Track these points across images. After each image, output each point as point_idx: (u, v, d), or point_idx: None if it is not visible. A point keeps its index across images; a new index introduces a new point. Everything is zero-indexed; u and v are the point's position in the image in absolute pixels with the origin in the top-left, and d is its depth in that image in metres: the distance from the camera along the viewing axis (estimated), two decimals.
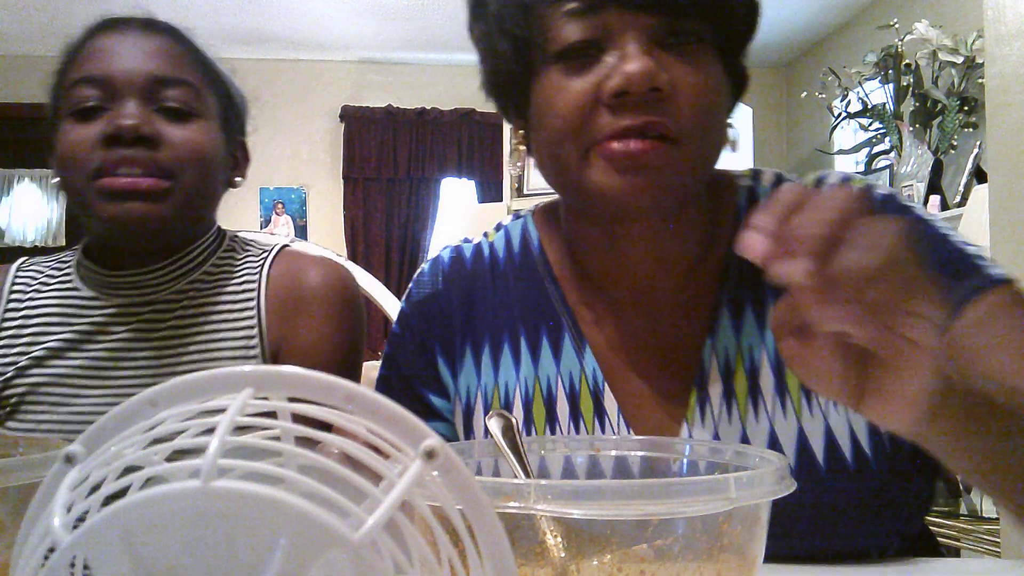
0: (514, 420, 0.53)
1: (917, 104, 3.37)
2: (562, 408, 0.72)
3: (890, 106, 3.54)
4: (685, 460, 0.50)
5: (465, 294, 0.78)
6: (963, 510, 2.14)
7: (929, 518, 0.75)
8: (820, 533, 0.65)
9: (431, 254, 0.85)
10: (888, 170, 3.46)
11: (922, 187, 3.23)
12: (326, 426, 0.28)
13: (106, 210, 0.84)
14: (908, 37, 3.30)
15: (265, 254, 0.97)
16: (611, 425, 0.71)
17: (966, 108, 3.18)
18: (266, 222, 5.03)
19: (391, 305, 1.30)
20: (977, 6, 1.78)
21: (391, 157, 5.10)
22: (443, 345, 0.78)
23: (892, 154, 3.57)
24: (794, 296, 0.44)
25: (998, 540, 1.74)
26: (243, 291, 0.93)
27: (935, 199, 3.18)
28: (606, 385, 0.71)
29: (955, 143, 3.24)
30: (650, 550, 0.39)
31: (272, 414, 0.29)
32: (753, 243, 0.43)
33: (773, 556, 0.44)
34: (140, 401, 0.28)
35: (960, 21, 3.31)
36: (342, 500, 0.25)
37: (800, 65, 5.11)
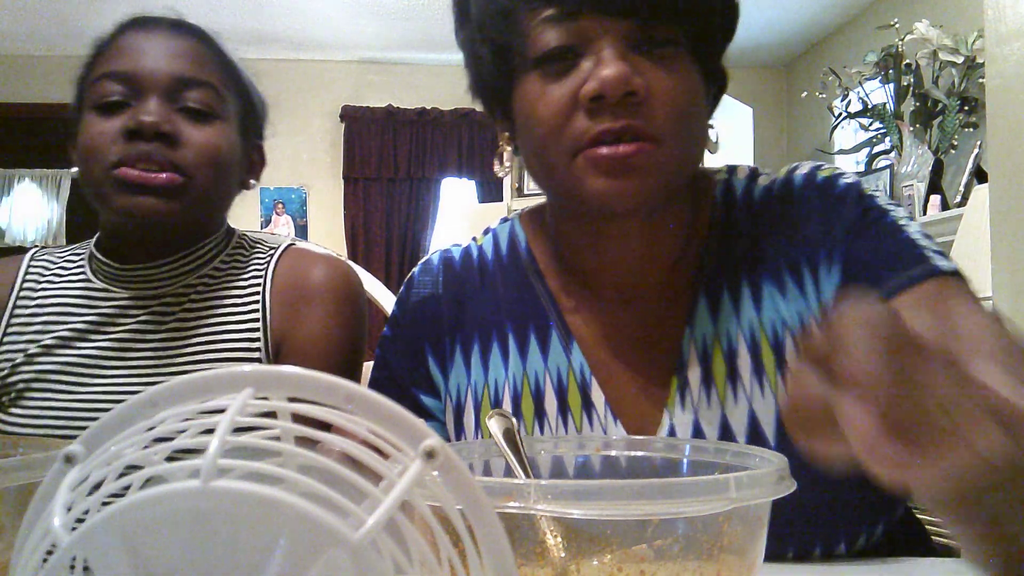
0: (514, 420, 0.53)
1: (917, 104, 3.37)
2: (550, 403, 0.74)
3: (890, 106, 3.54)
4: (685, 460, 0.50)
5: (455, 295, 0.80)
6: None
7: (925, 516, 0.76)
8: (803, 519, 0.65)
9: (424, 257, 0.87)
10: (888, 170, 3.46)
11: (922, 187, 3.23)
12: (326, 426, 0.28)
13: (120, 202, 0.86)
14: (908, 37, 3.31)
15: (272, 251, 0.99)
16: (599, 417, 0.72)
17: (966, 108, 3.18)
18: (266, 222, 5.03)
19: (391, 305, 1.30)
20: (977, 6, 1.78)
21: (391, 157, 5.10)
22: (433, 346, 0.79)
23: (892, 154, 3.57)
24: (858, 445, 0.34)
25: None
26: (249, 286, 0.95)
27: (935, 199, 3.18)
28: (593, 379, 0.73)
29: (955, 143, 3.24)
30: (650, 550, 0.39)
31: (272, 414, 0.29)
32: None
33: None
34: (140, 401, 0.28)
35: (960, 21, 3.31)
36: (342, 500, 0.25)
37: (800, 65, 5.11)
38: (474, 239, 0.85)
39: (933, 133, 3.32)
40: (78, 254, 1.00)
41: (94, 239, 0.98)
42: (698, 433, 0.70)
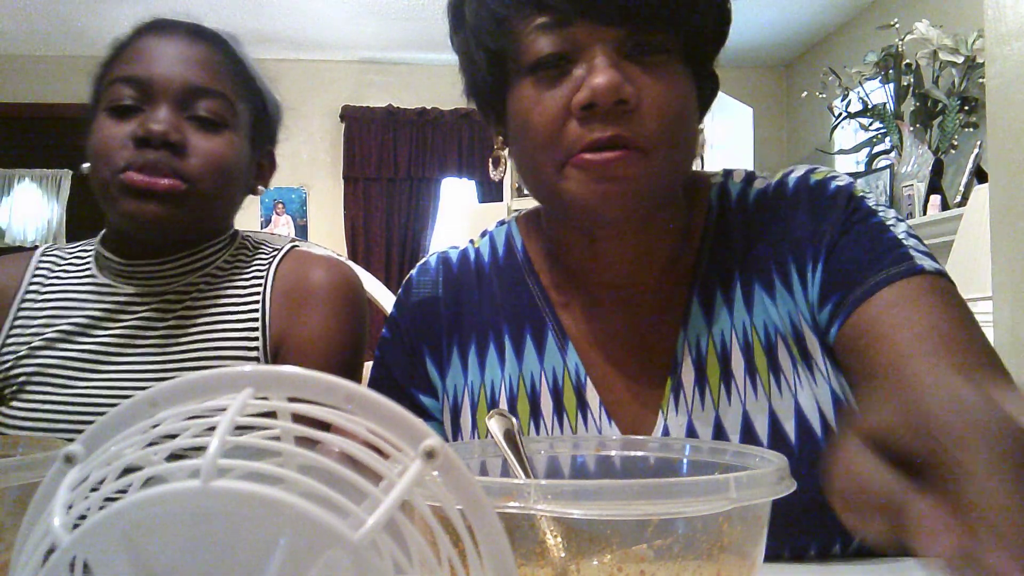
0: (514, 420, 0.53)
1: (917, 104, 3.37)
2: (546, 404, 0.74)
3: (890, 106, 3.55)
4: (685, 460, 0.50)
5: (452, 297, 0.81)
6: None
7: None
8: (798, 519, 0.65)
9: (422, 259, 0.88)
10: (888, 170, 3.46)
11: (922, 187, 3.23)
12: (325, 426, 0.28)
13: (125, 206, 0.88)
14: (908, 37, 3.31)
15: (275, 252, 1.00)
16: (593, 418, 0.73)
17: (966, 108, 3.19)
18: (266, 222, 5.03)
19: (391, 305, 1.30)
20: (977, 6, 1.78)
21: (391, 157, 5.10)
22: (431, 347, 0.80)
23: (892, 154, 3.57)
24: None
25: None
26: (250, 286, 0.96)
27: (935, 199, 3.18)
28: (588, 380, 0.74)
29: (955, 143, 3.24)
30: (650, 550, 0.39)
31: (272, 414, 0.29)
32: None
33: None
34: (140, 401, 0.28)
35: (960, 21, 3.31)
36: (342, 500, 0.25)
37: (800, 65, 5.11)
38: (471, 241, 0.86)
39: (933, 133, 3.32)
40: (86, 250, 1.01)
41: (100, 235, 1.00)
42: (692, 434, 0.70)
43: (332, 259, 1.01)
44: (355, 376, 0.98)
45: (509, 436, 0.52)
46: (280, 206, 5.09)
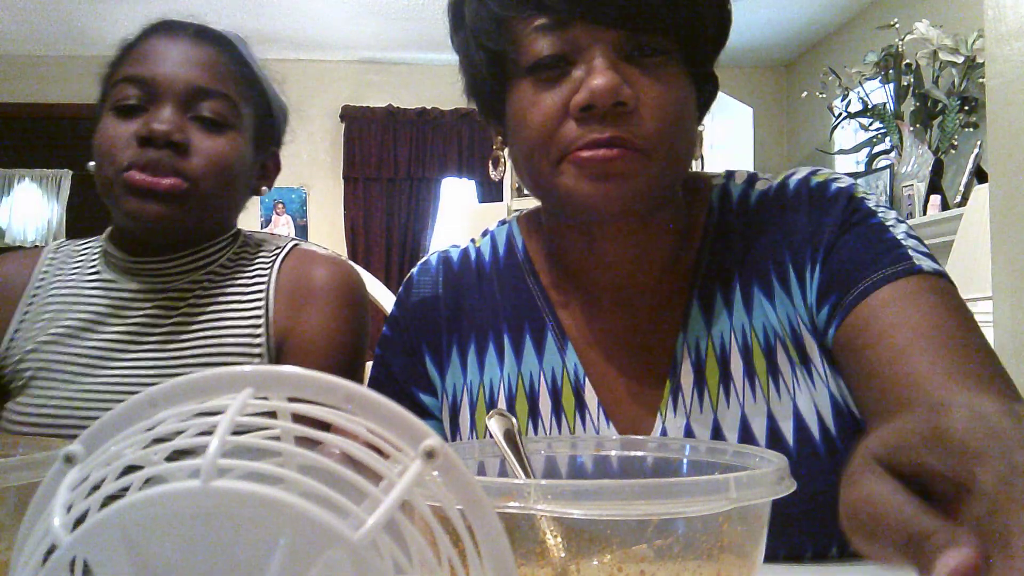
0: (514, 420, 0.53)
1: (917, 104, 3.37)
2: (544, 404, 0.74)
3: (890, 106, 3.55)
4: (685, 460, 0.50)
5: (452, 296, 0.81)
6: None
7: None
8: (795, 520, 0.65)
9: (423, 258, 0.88)
10: (888, 170, 3.46)
11: (922, 187, 3.23)
12: (325, 426, 0.28)
13: (128, 205, 0.89)
14: (908, 37, 3.31)
15: (278, 250, 1.00)
16: (592, 419, 0.73)
17: (966, 108, 3.19)
18: (266, 222, 5.04)
19: (391, 305, 1.31)
20: (977, 6, 1.78)
21: (391, 157, 5.10)
22: (431, 345, 0.80)
23: (892, 154, 3.57)
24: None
25: None
26: (254, 283, 0.97)
27: (935, 199, 3.18)
28: (587, 380, 0.74)
29: (955, 143, 3.24)
30: (650, 550, 0.39)
31: (272, 414, 0.29)
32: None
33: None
34: (140, 401, 0.28)
35: (960, 21, 3.31)
36: (342, 500, 0.25)
37: (800, 65, 5.12)
38: (472, 241, 0.86)
39: (933, 133, 3.32)
40: (94, 246, 1.02)
41: (108, 231, 1.01)
42: (690, 436, 0.70)
43: (335, 257, 1.02)
44: (357, 373, 0.99)
45: (509, 436, 0.52)
46: (280, 206, 5.09)
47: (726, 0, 0.71)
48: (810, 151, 4.82)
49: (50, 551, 0.26)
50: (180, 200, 0.89)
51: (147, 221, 0.89)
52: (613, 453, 0.53)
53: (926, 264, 0.65)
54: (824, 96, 3.95)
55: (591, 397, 0.73)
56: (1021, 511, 0.28)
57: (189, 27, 0.95)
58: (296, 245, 1.02)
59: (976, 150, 3.11)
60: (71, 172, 5.17)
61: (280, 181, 1.10)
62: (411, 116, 5.12)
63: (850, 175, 0.75)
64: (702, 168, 0.78)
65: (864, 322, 0.64)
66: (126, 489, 0.27)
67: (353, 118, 5.09)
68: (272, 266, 0.98)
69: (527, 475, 0.50)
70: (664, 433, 0.70)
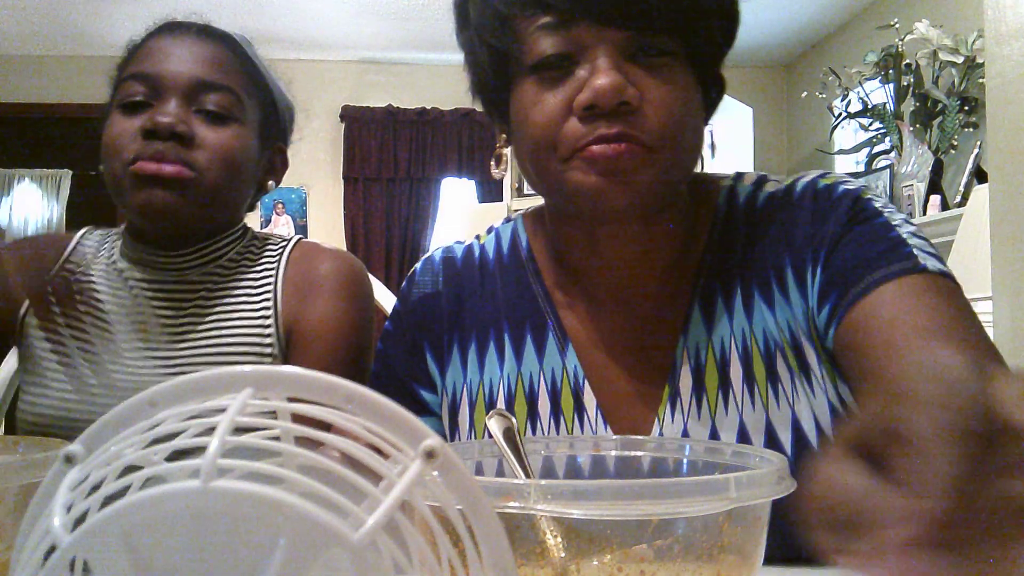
0: (514, 420, 0.53)
1: (917, 104, 3.37)
2: (543, 405, 0.74)
3: (890, 106, 3.54)
4: (685, 460, 0.50)
5: (455, 293, 0.81)
6: None
7: None
8: (791, 523, 0.65)
9: (426, 254, 0.88)
10: (888, 170, 3.46)
11: (922, 187, 3.23)
12: (325, 426, 0.28)
13: (135, 196, 0.91)
14: (908, 37, 3.31)
15: (284, 244, 1.04)
16: (590, 421, 0.73)
17: (966, 108, 3.18)
18: (266, 222, 5.03)
19: (391, 305, 1.31)
20: (977, 6, 1.78)
21: (391, 157, 5.10)
22: (432, 342, 0.80)
23: (892, 154, 3.57)
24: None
25: None
26: (263, 276, 1.00)
27: (935, 199, 3.18)
28: (586, 383, 0.74)
29: (955, 143, 3.24)
30: (650, 550, 0.39)
31: (272, 414, 0.29)
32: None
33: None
34: (140, 401, 0.28)
35: (960, 21, 3.31)
36: (342, 500, 0.25)
37: (800, 65, 5.11)
38: (477, 237, 0.86)
39: (933, 133, 3.32)
40: (114, 237, 1.05)
41: (125, 222, 1.03)
42: None
43: (339, 250, 1.06)
44: (363, 360, 1.01)
45: (509, 436, 0.52)
46: (280, 206, 5.09)
47: (734, 1, 0.70)
48: (810, 151, 4.82)
49: (50, 551, 0.26)
50: (186, 189, 0.91)
51: (155, 210, 0.90)
52: (612, 453, 0.53)
53: (931, 263, 0.64)
54: (824, 96, 3.95)
55: (590, 400, 0.73)
56: (943, 458, 0.25)
57: (193, 26, 0.98)
58: (301, 239, 1.06)
59: (976, 150, 3.11)
60: (71, 172, 5.17)
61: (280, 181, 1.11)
62: (411, 116, 5.12)
63: (850, 175, 0.74)
64: (702, 168, 0.77)
65: (864, 319, 0.63)
66: (126, 489, 0.27)
67: (353, 118, 5.09)
68: (279, 259, 1.01)
69: (527, 475, 0.50)
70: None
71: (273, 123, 1.03)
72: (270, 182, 1.06)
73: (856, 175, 3.44)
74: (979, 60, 3.00)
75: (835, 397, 0.68)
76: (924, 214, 3.17)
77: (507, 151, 0.78)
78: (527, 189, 4.78)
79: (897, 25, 3.37)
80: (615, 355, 0.74)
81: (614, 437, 0.54)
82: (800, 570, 0.64)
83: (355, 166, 5.09)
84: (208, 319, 0.96)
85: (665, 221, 0.73)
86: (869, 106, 3.63)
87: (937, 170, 3.22)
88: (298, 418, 0.29)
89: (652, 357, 0.73)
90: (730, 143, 4.27)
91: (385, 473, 0.26)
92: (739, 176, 0.78)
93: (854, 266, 0.66)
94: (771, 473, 0.39)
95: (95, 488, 0.27)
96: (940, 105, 3.27)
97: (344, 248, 4.80)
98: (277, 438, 0.30)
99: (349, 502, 0.25)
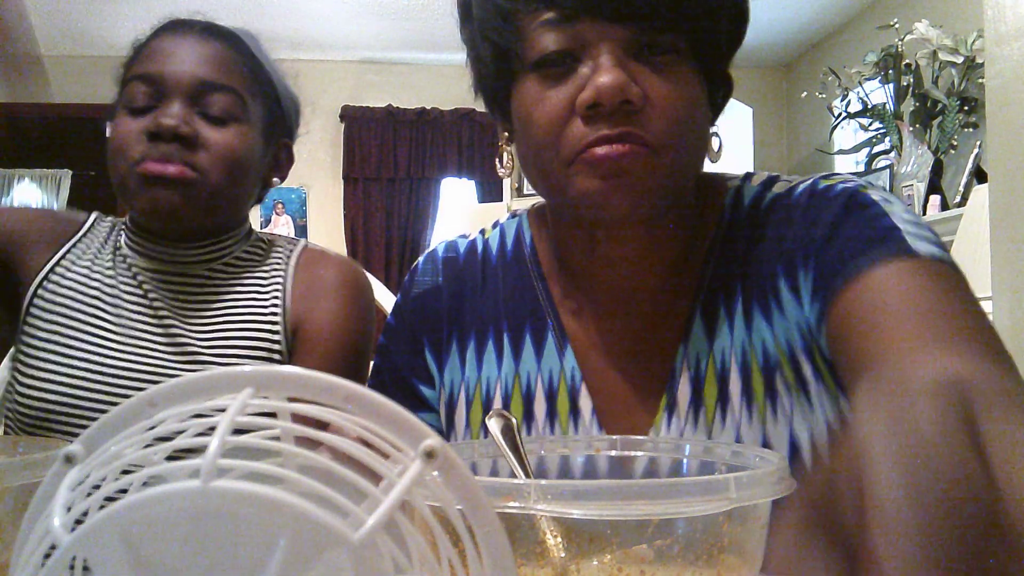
0: (514, 420, 0.53)
1: (917, 104, 3.37)
2: (539, 406, 0.73)
3: (890, 106, 3.55)
4: (684, 460, 0.50)
5: (455, 290, 0.80)
6: None
7: None
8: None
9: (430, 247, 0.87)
10: (888, 170, 3.47)
11: (922, 187, 3.23)
12: (325, 426, 0.28)
13: (140, 197, 0.92)
14: (908, 37, 3.31)
15: (292, 246, 1.07)
16: (584, 427, 0.71)
17: (966, 108, 3.19)
18: (266, 222, 5.03)
19: (391, 305, 1.31)
20: (977, 6, 1.78)
21: (391, 157, 5.10)
22: (431, 338, 0.79)
23: (892, 154, 3.57)
24: None
25: None
26: (271, 275, 1.02)
27: (935, 199, 3.18)
28: (583, 385, 0.72)
29: (955, 143, 3.24)
30: (650, 550, 0.39)
31: (272, 414, 0.29)
32: None
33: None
34: (139, 401, 0.28)
35: (960, 21, 3.31)
36: (342, 500, 0.25)
37: (800, 65, 5.11)
38: (482, 232, 0.84)
39: (933, 133, 3.32)
40: (121, 224, 1.05)
41: (128, 213, 1.03)
42: None
43: (343, 258, 1.09)
44: (364, 363, 1.03)
45: (509, 436, 0.52)
46: (280, 206, 5.09)
47: None
48: (810, 151, 4.82)
49: (50, 551, 0.26)
50: (190, 189, 0.92)
51: (159, 210, 0.91)
52: (612, 453, 0.53)
53: (923, 248, 0.59)
54: (824, 96, 3.95)
55: (586, 403, 0.72)
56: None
57: (196, 25, 0.98)
58: (307, 245, 1.08)
59: (976, 150, 3.11)
60: (71, 172, 5.17)
61: None
62: (411, 116, 5.12)
63: (851, 175, 0.71)
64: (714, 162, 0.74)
65: (846, 312, 0.59)
66: (126, 489, 0.27)
67: (353, 118, 5.09)
68: (287, 262, 1.03)
69: (527, 475, 0.50)
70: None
71: (278, 119, 1.04)
72: (275, 178, 1.07)
73: (856, 175, 3.43)
74: (979, 60, 3.00)
75: (833, 414, 0.66)
76: (924, 214, 3.17)
77: (510, 149, 0.76)
78: (527, 189, 4.78)
79: (897, 25, 3.38)
80: (614, 359, 0.73)
81: (614, 437, 0.54)
82: None
83: (355, 166, 5.09)
84: (218, 313, 0.98)
85: (668, 222, 0.71)
86: (869, 106, 3.63)
87: (937, 170, 3.23)
88: (298, 418, 0.29)
89: (651, 363, 0.71)
90: (730, 143, 4.26)
91: (385, 473, 0.26)
92: (748, 176, 0.76)
93: (840, 258, 0.61)
94: (771, 473, 0.39)
95: (95, 488, 0.27)
96: (940, 105, 3.27)
97: (343, 249, 4.75)
98: (277, 438, 0.30)
99: (349, 502, 0.25)
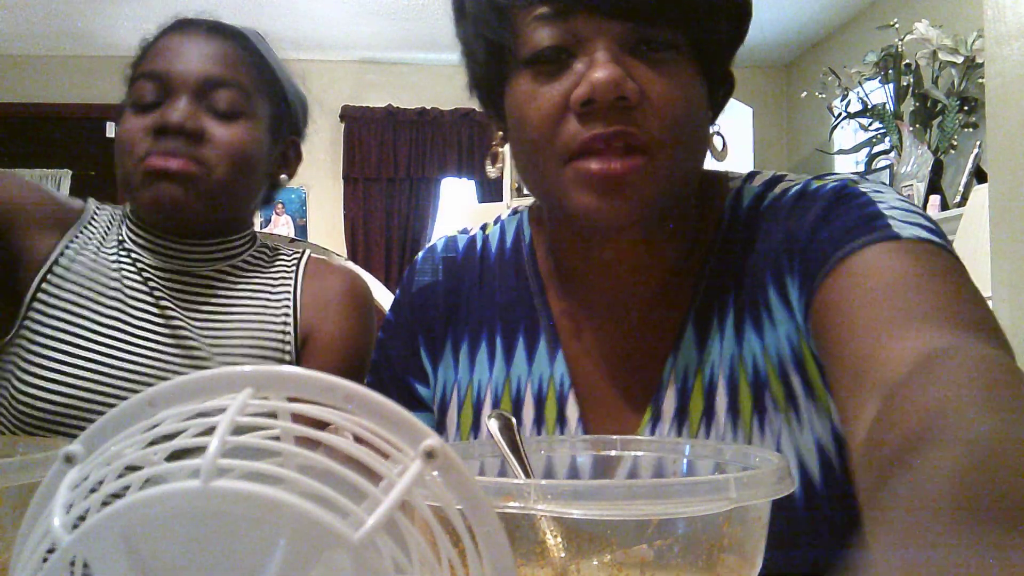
0: (514, 420, 0.53)
1: (917, 104, 3.37)
2: (528, 412, 0.72)
3: (890, 106, 3.55)
4: (685, 460, 0.50)
5: (453, 287, 0.79)
6: None
7: None
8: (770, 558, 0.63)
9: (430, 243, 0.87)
10: (888, 170, 3.47)
11: (922, 187, 3.23)
12: (324, 425, 0.28)
13: (146, 192, 0.92)
14: (908, 37, 3.31)
15: (297, 256, 1.08)
16: (569, 434, 0.70)
17: (966, 108, 3.19)
18: (266, 222, 5.03)
19: (389, 305, 1.31)
20: (977, 6, 1.78)
21: (391, 157, 5.10)
22: (426, 337, 0.79)
23: (892, 154, 3.57)
24: None
25: None
26: (280, 282, 1.03)
27: (935, 199, 3.18)
28: (571, 392, 0.71)
29: (955, 143, 3.24)
30: (650, 550, 0.39)
31: (272, 414, 0.29)
32: None
33: None
34: (139, 401, 0.28)
35: (960, 21, 3.31)
36: (342, 500, 0.25)
37: (800, 65, 5.11)
38: (483, 228, 0.83)
39: (933, 133, 3.32)
40: (121, 215, 1.04)
41: (129, 206, 1.03)
42: (663, 467, 0.66)
43: (347, 269, 1.11)
44: (365, 368, 1.03)
45: (509, 436, 0.52)
46: (280, 206, 5.09)
47: None
48: (810, 151, 4.82)
49: (50, 551, 0.26)
50: (192, 183, 0.92)
51: (164, 205, 0.91)
52: (612, 453, 0.53)
53: (907, 231, 0.56)
54: (824, 96, 3.95)
55: (573, 412, 0.70)
56: None
57: (203, 24, 0.99)
58: (311, 255, 1.09)
59: (976, 150, 3.11)
60: (71, 172, 5.17)
61: None
62: (411, 116, 5.12)
63: (851, 175, 0.69)
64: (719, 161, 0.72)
65: (827, 298, 0.57)
66: (126, 489, 0.27)
67: (353, 118, 5.09)
68: (296, 271, 1.05)
69: (527, 475, 0.50)
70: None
71: (285, 117, 1.04)
72: (283, 176, 1.07)
73: (857, 175, 3.43)
74: (979, 60, 3.00)
75: (823, 433, 0.65)
76: None
77: (503, 149, 0.75)
78: (526, 189, 4.78)
79: (897, 25, 3.37)
80: (603, 366, 0.71)
81: (613, 437, 0.54)
82: None
83: (355, 166, 5.09)
84: (226, 315, 0.98)
85: (666, 225, 0.69)
86: (869, 106, 3.63)
87: (937, 170, 3.22)
88: (298, 418, 0.29)
89: (641, 373, 0.70)
90: (730, 143, 4.27)
91: (385, 473, 0.26)
92: (751, 176, 0.73)
93: (823, 250, 0.59)
94: (771, 473, 0.39)
95: (95, 488, 0.27)
96: (940, 105, 3.27)
97: (343, 249, 4.76)
98: (277, 438, 0.30)
99: (349, 502, 0.25)
